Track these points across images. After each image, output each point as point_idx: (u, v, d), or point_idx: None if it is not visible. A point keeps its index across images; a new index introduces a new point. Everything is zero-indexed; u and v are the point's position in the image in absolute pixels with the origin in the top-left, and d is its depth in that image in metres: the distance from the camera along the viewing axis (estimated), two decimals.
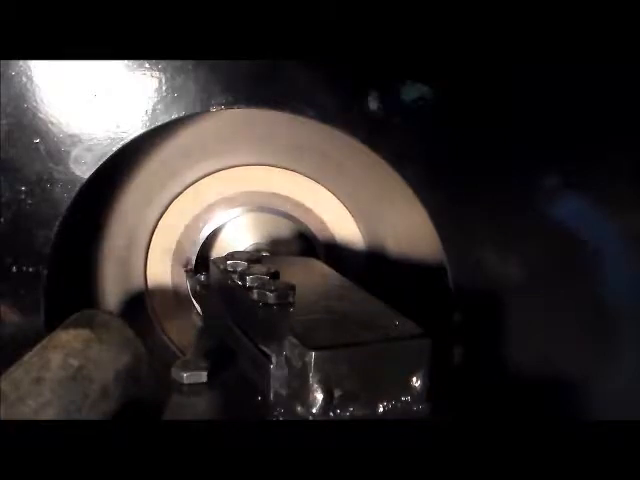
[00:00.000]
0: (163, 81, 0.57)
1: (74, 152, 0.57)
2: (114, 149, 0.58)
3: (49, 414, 0.43)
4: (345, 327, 0.51)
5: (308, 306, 0.55)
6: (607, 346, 0.63)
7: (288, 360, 0.49)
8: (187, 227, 0.77)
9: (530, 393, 0.61)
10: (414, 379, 0.50)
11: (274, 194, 0.78)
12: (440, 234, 0.61)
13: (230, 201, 0.77)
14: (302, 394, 0.48)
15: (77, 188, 0.58)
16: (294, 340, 0.49)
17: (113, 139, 0.58)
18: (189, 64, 0.57)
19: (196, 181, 0.76)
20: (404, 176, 0.60)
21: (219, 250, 0.79)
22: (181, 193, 0.76)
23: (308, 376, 0.47)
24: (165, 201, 0.75)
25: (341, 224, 0.79)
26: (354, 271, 0.75)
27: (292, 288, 0.55)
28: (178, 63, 0.57)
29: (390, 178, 0.61)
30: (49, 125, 0.57)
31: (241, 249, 0.77)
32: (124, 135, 0.58)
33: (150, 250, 0.76)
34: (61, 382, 0.45)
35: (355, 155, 0.65)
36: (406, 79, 0.58)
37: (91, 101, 0.57)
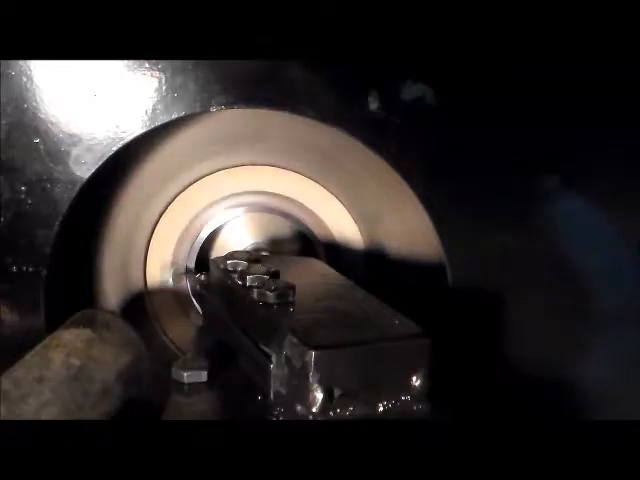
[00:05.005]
0: (163, 81, 0.57)
1: (74, 152, 0.57)
2: (114, 149, 0.58)
3: (50, 413, 0.43)
4: (345, 326, 0.51)
5: (308, 306, 0.55)
6: (608, 346, 0.63)
7: (288, 359, 0.49)
8: (187, 227, 0.77)
9: (530, 393, 0.62)
10: (414, 379, 0.50)
11: (274, 194, 0.78)
12: (440, 234, 0.61)
13: (230, 201, 0.77)
14: (302, 393, 0.48)
15: (77, 188, 0.58)
16: (294, 339, 0.49)
17: (113, 139, 0.58)
18: (189, 64, 0.57)
19: (196, 181, 0.76)
20: (404, 176, 0.60)
21: (219, 250, 0.79)
22: (181, 193, 0.76)
23: (308, 375, 0.47)
24: (165, 201, 0.75)
25: (341, 224, 0.79)
26: (354, 271, 0.75)
27: (292, 288, 0.55)
28: (178, 63, 0.57)
29: (390, 178, 0.61)
30: (49, 125, 0.57)
31: (241, 249, 0.77)
32: (124, 135, 0.58)
33: (150, 250, 0.76)
34: (62, 381, 0.45)
35: (355, 155, 0.65)
36: (406, 79, 0.58)
37: (91, 101, 0.57)
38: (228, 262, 0.62)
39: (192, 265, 0.77)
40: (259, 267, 0.59)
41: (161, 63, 0.57)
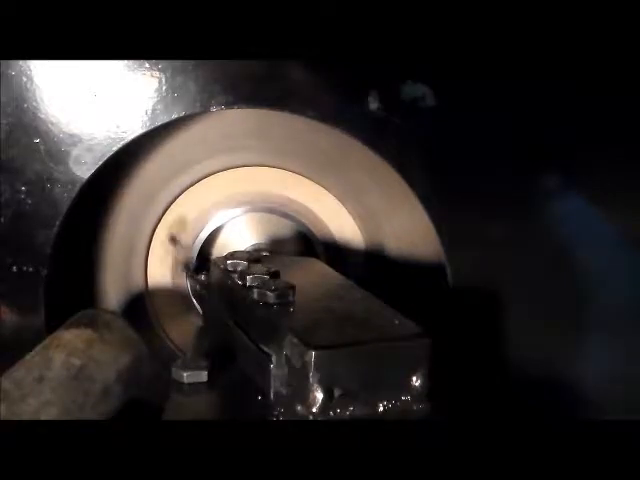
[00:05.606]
0: (163, 81, 0.57)
1: (74, 152, 0.57)
2: (114, 149, 0.58)
3: (50, 413, 0.43)
4: (345, 326, 0.51)
5: (308, 306, 0.55)
6: (608, 346, 0.63)
7: (288, 359, 0.49)
8: (187, 227, 0.77)
9: (530, 393, 0.62)
10: (414, 379, 0.50)
11: (274, 194, 0.78)
12: (440, 234, 0.61)
13: (230, 201, 0.77)
14: (302, 393, 0.48)
15: (77, 188, 0.58)
16: (294, 339, 0.49)
17: (113, 139, 0.58)
18: (189, 64, 0.57)
19: (196, 181, 0.76)
20: (404, 176, 0.60)
21: (219, 250, 0.79)
22: (181, 193, 0.76)
23: (308, 375, 0.47)
24: (165, 201, 0.75)
25: (341, 224, 0.79)
26: (354, 271, 0.75)
27: (292, 288, 0.55)
28: (178, 63, 0.57)
29: (390, 178, 0.61)
30: (49, 125, 0.57)
31: (241, 249, 0.77)
32: (124, 135, 0.58)
33: (150, 250, 0.76)
34: (63, 381, 0.45)
35: (355, 155, 0.65)
36: (406, 79, 0.58)
37: (91, 101, 0.57)
38: (228, 262, 0.62)
39: (192, 266, 0.77)
40: (259, 267, 0.59)
41: (161, 63, 0.57)
